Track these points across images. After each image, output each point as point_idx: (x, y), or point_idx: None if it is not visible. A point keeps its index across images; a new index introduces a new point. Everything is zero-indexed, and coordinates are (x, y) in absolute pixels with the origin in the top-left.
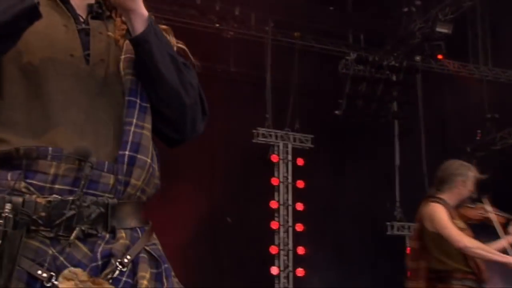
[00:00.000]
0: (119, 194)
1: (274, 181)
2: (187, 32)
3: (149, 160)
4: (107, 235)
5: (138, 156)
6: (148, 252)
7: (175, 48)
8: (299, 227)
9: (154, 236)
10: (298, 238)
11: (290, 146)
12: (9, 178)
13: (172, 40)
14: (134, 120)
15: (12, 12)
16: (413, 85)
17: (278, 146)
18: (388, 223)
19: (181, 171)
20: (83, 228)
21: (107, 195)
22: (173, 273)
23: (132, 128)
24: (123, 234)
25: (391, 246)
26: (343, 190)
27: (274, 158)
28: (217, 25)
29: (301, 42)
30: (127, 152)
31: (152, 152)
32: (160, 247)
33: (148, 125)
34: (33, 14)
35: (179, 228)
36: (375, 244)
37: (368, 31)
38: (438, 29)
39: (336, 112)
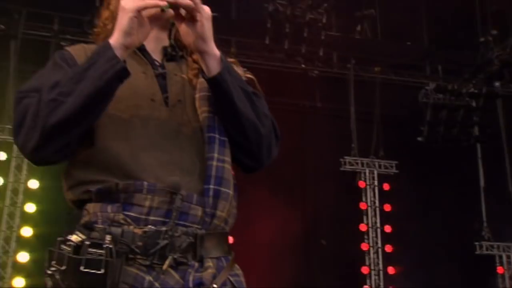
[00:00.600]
0: (206, 225)
1: (363, 205)
2: (276, 73)
3: (231, 192)
4: (196, 264)
5: (222, 189)
6: (231, 282)
7: (244, 79)
8: (388, 248)
9: (237, 266)
10: (388, 259)
11: (375, 172)
12: (109, 210)
13: (240, 71)
14: (216, 155)
15: (106, 77)
16: (494, 110)
17: (365, 173)
18: (476, 243)
19: (276, 199)
20: (175, 256)
21: (195, 226)
22: None
23: (214, 163)
24: (211, 264)
25: (480, 266)
26: (428, 212)
27: (361, 184)
28: (303, 65)
29: (381, 76)
30: (211, 186)
31: (233, 184)
32: (242, 278)
33: (228, 158)
34: (123, 74)
35: (275, 248)
36: (463, 264)
37: (445, 61)
38: None
39: (419, 138)
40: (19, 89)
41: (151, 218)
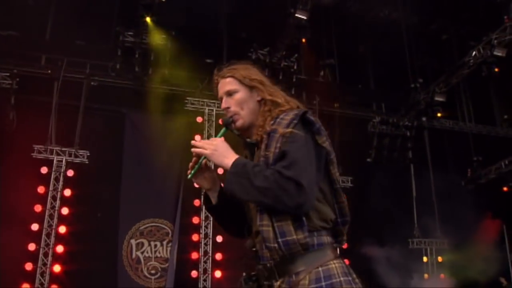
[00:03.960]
0: None
1: None
2: None
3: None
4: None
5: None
6: None
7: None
8: (344, 246)
9: None
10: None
11: None
12: None
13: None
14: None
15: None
16: (422, 138)
17: None
18: (410, 239)
19: None
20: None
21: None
22: None
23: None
24: None
25: (412, 257)
26: (376, 212)
27: None
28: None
29: (339, 111)
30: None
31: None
32: None
33: (266, 221)
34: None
35: None
36: (401, 255)
37: (387, 101)
38: (436, 98)
39: (368, 159)
40: None
41: None
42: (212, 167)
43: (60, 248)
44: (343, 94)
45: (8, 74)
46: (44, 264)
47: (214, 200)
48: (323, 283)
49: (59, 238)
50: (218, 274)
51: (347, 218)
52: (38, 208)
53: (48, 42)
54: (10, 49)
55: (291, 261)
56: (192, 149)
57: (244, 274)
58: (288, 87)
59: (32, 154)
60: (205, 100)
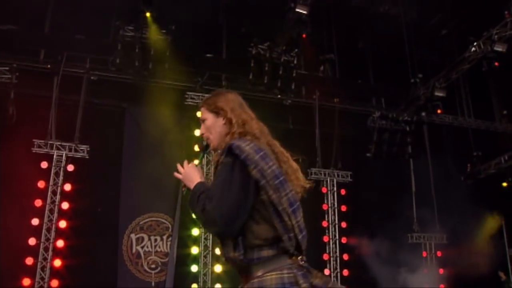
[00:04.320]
0: None
1: (324, 206)
2: (258, 102)
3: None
4: None
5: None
6: None
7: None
8: (344, 240)
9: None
10: (343, 249)
11: (335, 180)
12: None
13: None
14: None
15: None
16: (422, 133)
17: (327, 181)
18: (409, 234)
19: None
20: None
21: None
22: None
23: None
24: None
25: (411, 251)
26: (374, 211)
27: (323, 190)
28: (279, 96)
29: (339, 105)
30: None
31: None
32: None
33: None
34: None
35: None
36: (401, 249)
37: (386, 96)
38: (436, 93)
39: (368, 154)
40: None
41: None
42: None
43: (60, 243)
44: (343, 89)
45: (7, 68)
46: (45, 259)
47: None
48: None
49: (60, 233)
50: (218, 268)
51: (292, 235)
52: (38, 202)
53: (48, 37)
54: (10, 43)
55: (240, 272)
56: (175, 174)
57: None
58: (288, 82)
59: (32, 148)
60: (205, 94)
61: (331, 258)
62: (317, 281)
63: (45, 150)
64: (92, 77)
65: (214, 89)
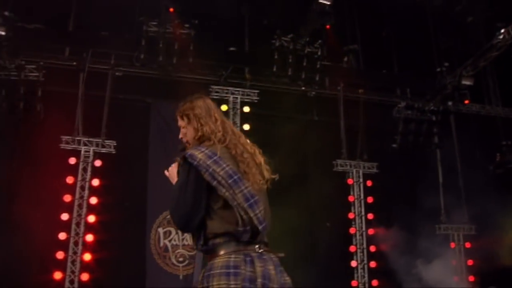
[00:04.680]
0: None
1: (351, 198)
2: (282, 94)
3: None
4: None
5: None
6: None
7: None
8: (371, 231)
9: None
10: (370, 240)
11: (361, 171)
12: None
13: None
14: None
15: None
16: (449, 123)
17: (352, 172)
18: (436, 225)
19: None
20: None
21: None
22: None
23: None
24: None
25: (439, 242)
26: (401, 202)
27: (349, 181)
28: (303, 88)
29: (363, 96)
30: None
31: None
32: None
33: None
34: None
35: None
36: (428, 240)
37: (412, 85)
38: (463, 82)
39: (393, 145)
40: None
41: None
42: None
43: (89, 237)
44: (367, 79)
45: (34, 66)
46: (75, 253)
47: None
48: (206, 273)
49: (89, 227)
50: None
51: (248, 227)
52: (67, 198)
53: (72, 34)
54: (37, 42)
55: (204, 256)
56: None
57: None
58: (312, 73)
59: (60, 145)
60: (229, 88)
61: (358, 250)
62: (265, 269)
63: (73, 146)
64: (117, 73)
65: (238, 82)
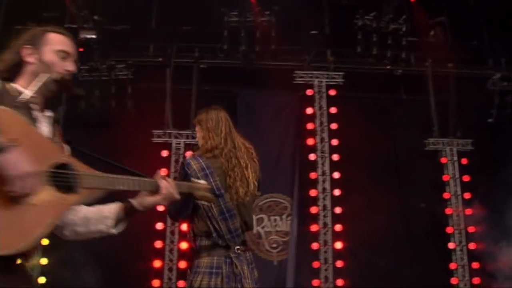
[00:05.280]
0: None
1: (445, 177)
2: (368, 74)
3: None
4: None
5: None
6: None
7: None
8: (468, 211)
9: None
10: (468, 220)
11: (455, 149)
12: None
13: None
14: None
15: None
16: None
17: (445, 151)
18: None
19: (373, 176)
20: None
21: None
22: None
23: None
24: None
25: None
26: (500, 179)
27: (443, 160)
28: (389, 67)
29: (454, 70)
30: None
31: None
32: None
33: None
34: None
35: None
36: None
37: (505, 55)
38: None
39: (489, 120)
40: None
41: None
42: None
43: (184, 226)
44: (457, 52)
45: (124, 65)
46: (172, 242)
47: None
48: (194, 269)
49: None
50: (338, 245)
51: (221, 233)
52: None
53: (156, 31)
54: (124, 42)
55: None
56: None
57: None
58: (398, 51)
59: (152, 139)
60: (313, 72)
61: (455, 231)
62: (241, 268)
63: (164, 139)
64: (201, 66)
65: (322, 65)
